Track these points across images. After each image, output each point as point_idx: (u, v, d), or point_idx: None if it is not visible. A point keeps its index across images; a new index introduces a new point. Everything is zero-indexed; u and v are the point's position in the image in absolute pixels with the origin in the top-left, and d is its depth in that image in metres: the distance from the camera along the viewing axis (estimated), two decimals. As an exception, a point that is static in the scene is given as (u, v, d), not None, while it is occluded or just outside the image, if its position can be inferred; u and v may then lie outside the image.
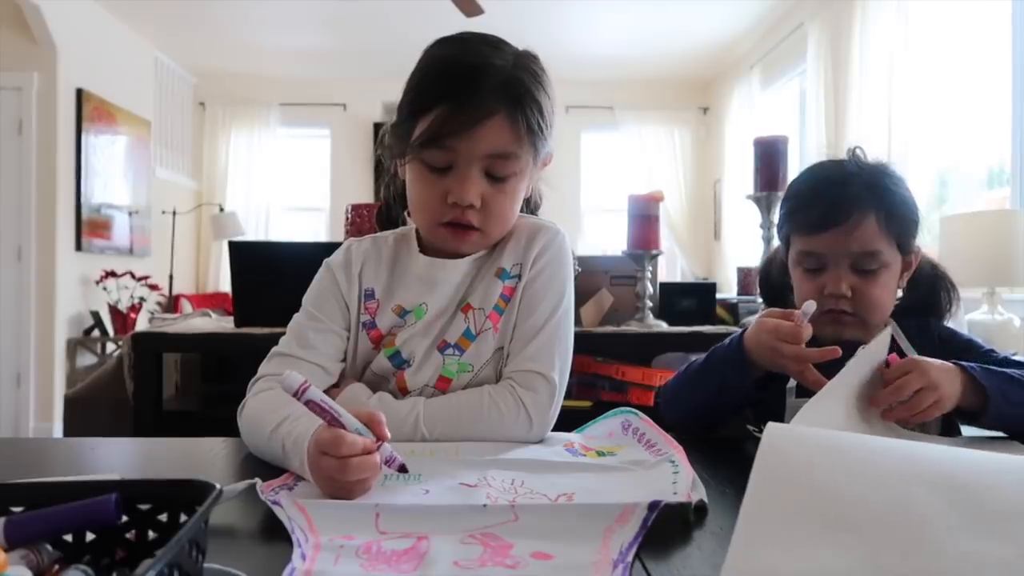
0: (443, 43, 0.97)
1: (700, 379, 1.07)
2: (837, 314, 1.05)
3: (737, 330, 1.14)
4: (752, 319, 1.12)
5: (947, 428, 1.04)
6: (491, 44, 0.95)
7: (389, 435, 0.72)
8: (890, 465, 0.49)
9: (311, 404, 0.72)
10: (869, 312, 1.05)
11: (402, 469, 0.72)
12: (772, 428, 0.50)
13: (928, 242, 2.41)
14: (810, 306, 0.94)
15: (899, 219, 1.05)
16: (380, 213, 1.14)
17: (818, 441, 0.52)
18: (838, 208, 1.03)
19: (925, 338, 1.07)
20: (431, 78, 0.93)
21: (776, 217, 1.14)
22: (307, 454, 0.72)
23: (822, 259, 1.05)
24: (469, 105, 0.89)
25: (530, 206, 1.09)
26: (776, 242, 1.21)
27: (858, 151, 1.10)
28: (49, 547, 0.47)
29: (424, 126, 0.91)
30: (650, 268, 2.06)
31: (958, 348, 1.06)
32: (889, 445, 0.52)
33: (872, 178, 1.06)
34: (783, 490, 0.46)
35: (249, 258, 2.00)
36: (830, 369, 0.90)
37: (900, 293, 1.12)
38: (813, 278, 1.07)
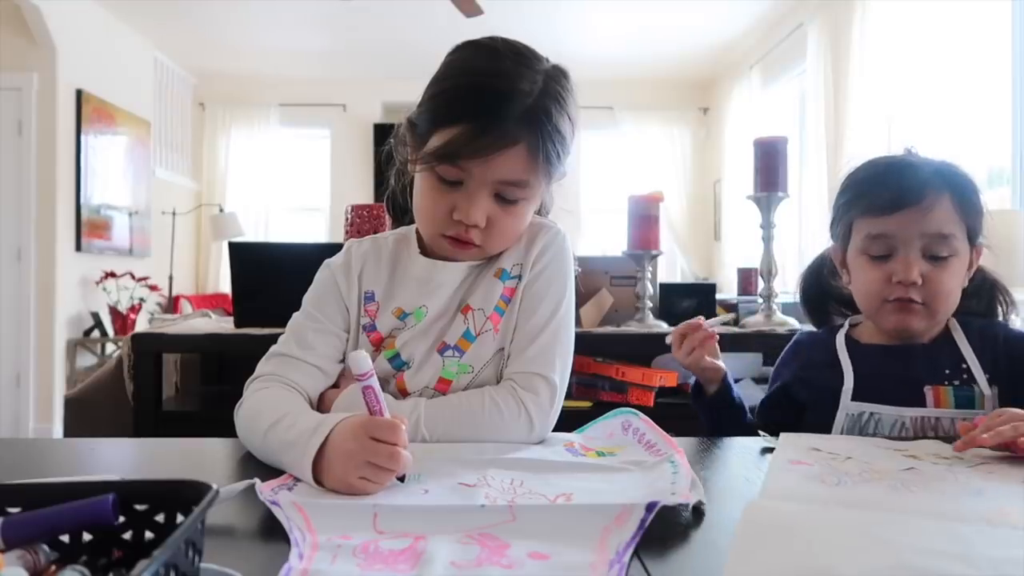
0: (473, 50, 0.94)
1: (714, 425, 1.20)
2: (904, 303, 1.00)
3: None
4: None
5: None
6: (522, 61, 0.91)
7: (407, 442, 0.71)
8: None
9: (369, 390, 0.72)
10: (938, 301, 1.00)
11: (400, 478, 0.72)
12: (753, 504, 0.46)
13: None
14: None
15: (970, 205, 1.02)
16: (390, 201, 1.12)
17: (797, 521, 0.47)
18: (912, 188, 0.99)
19: (988, 340, 1.03)
20: (456, 92, 0.90)
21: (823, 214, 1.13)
22: (333, 437, 0.71)
23: (892, 242, 1.00)
24: (491, 131, 0.87)
25: (539, 212, 1.08)
26: (828, 245, 1.17)
27: (912, 149, 1.08)
28: (46, 548, 0.47)
29: (441, 140, 0.89)
30: (650, 268, 2.06)
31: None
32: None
33: (941, 164, 1.03)
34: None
35: (249, 259, 2.00)
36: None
37: (966, 283, 1.06)
38: (880, 265, 1.02)
